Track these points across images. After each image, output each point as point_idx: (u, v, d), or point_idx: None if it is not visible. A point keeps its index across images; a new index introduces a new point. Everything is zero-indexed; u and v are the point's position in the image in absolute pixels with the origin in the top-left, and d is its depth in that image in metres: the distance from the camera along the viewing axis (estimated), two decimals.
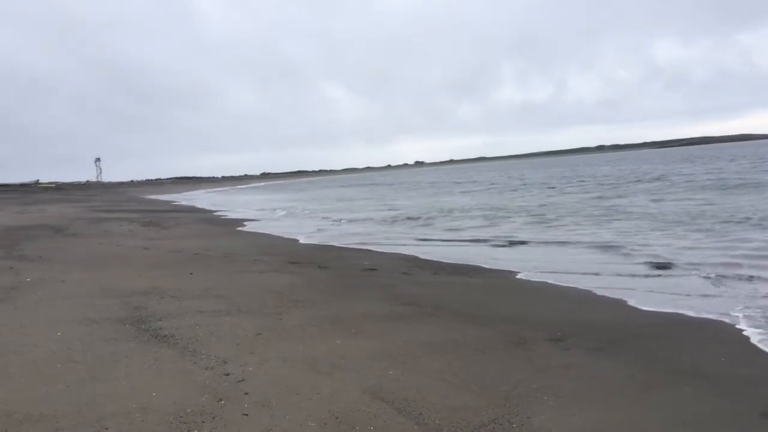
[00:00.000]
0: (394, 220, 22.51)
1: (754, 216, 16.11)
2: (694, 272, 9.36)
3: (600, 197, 27.57)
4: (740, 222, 15.19)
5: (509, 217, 20.92)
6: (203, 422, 3.94)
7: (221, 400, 4.32)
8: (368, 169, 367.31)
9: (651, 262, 10.41)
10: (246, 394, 4.43)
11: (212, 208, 34.91)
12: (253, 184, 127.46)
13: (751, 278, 8.73)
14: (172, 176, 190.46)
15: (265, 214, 29.06)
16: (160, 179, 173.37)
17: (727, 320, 6.63)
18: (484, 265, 11.00)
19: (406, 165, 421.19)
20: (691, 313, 6.98)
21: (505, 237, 15.35)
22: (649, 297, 7.92)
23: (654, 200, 24.07)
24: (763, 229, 13.76)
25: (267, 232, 19.14)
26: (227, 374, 4.85)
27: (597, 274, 9.71)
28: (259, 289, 8.50)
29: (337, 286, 8.93)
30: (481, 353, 5.50)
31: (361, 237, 16.94)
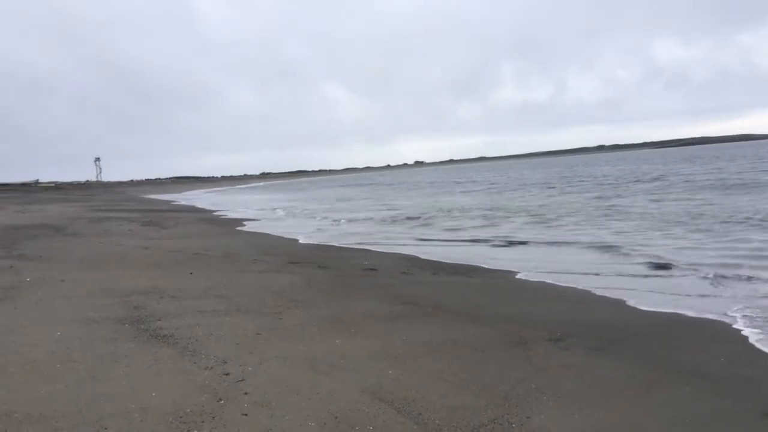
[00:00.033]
0: (393, 220, 22.51)
1: (754, 216, 16.12)
2: (693, 272, 9.37)
3: (600, 197, 27.58)
4: (740, 222, 15.20)
5: (509, 217, 20.92)
6: (203, 422, 3.94)
7: (221, 399, 4.32)
8: (368, 169, 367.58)
9: (650, 263, 10.42)
10: (246, 393, 4.43)
11: (212, 208, 34.91)
12: (253, 184, 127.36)
13: (750, 278, 8.74)
14: (172, 176, 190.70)
15: (264, 214, 29.05)
16: (159, 179, 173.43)
17: (726, 320, 6.64)
18: (484, 265, 11.00)
19: (405, 165, 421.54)
20: (690, 313, 6.99)
21: (504, 237, 15.35)
22: (648, 297, 7.93)
23: (654, 200, 24.08)
24: (763, 229, 13.77)
25: (267, 231, 19.14)
26: (227, 374, 4.85)
27: (597, 274, 9.71)
28: (259, 289, 8.49)
29: (336, 286, 8.93)
30: (481, 353, 5.50)
31: (361, 237, 16.94)
